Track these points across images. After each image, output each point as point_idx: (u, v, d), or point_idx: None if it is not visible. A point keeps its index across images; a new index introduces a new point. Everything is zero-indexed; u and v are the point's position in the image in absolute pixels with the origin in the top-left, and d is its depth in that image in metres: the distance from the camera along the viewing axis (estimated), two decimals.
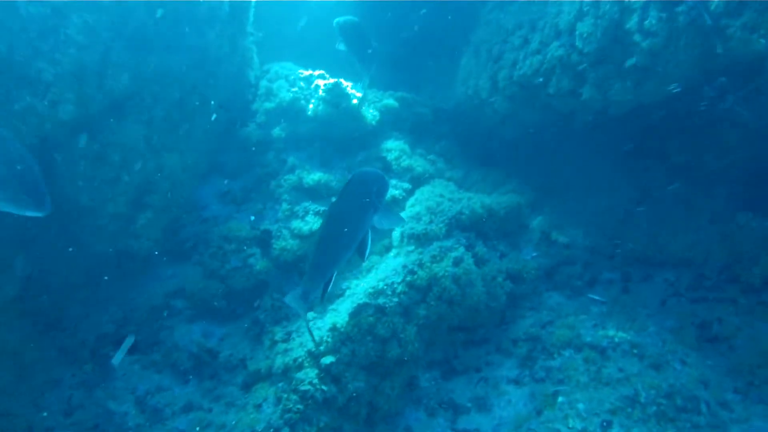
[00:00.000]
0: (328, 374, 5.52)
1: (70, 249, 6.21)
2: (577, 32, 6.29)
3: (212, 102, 7.42)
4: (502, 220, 7.05)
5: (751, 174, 7.25)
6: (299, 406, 5.34)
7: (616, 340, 5.92)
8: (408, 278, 6.02)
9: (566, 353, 6.03)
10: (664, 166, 7.71)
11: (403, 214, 6.94)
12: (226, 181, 7.75)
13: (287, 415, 5.31)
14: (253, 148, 7.88)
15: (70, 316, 6.42)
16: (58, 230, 6.28)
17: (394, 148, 7.76)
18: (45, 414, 5.56)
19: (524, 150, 8.04)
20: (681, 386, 5.54)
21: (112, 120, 6.33)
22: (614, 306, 6.70)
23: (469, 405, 6.03)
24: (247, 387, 5.90)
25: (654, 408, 5.30)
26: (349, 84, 8.08)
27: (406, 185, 7.46)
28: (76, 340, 6.26)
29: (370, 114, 8.07)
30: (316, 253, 5.01)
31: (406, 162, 7.63)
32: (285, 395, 5.41)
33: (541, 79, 6.70)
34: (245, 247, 6.85)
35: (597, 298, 6.86)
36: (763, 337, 6.16)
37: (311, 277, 5.05)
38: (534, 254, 7.19)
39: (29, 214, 4.36)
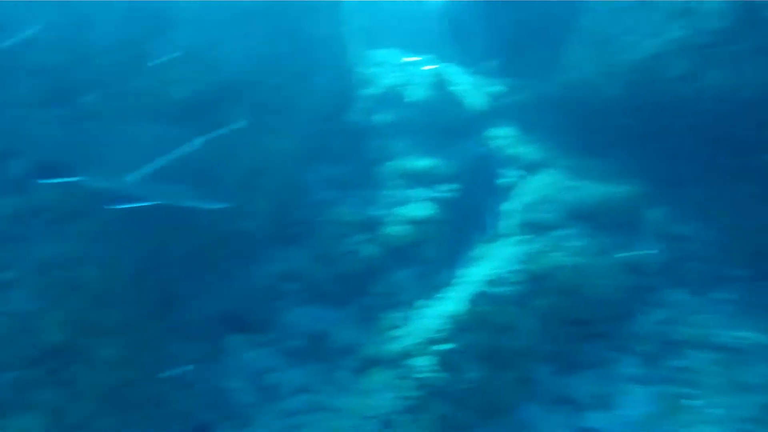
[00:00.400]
0: (444, 362, 5.36)
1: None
2: (702, 9, 5.93)
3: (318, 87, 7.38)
4: (621, 210, 6.72)
5: None
6: (416, 393, 5.20)
7: (753, 341, 5.53)
8: (525, 267, 5.78)
9: (695, 353, 5.66)
10: None
11: (515, 203, 6.73)
12: (331, 167, 7.71)
13: (404, 402, 5.17)
14: (360, 132, 7.81)
15: (184, 294, 6.47)
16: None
17: (501, 134, 7.54)
18: (164, 386, 5.64)
19: (641, 138, 7.67)
20: None
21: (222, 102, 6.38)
22: (743, 305, 6.30)
23: (588, 402, 5.75)
24: (360, 371, 5.79)
25: None
26: (455, 70, 7.93)
27: (517, 173, 7.23)
28: (190, 317, 6.30)
29: (476, 100, 7.88)
30: None
31: (515, 149, 7.40)
32: (400, 381, 5.27)
33: (659, 62, 6.34)
34: (354, 232, 6.77)
35: (724, 295, 6.46)
36: None
37: None
38: (653, 247, 6.84)
39: None
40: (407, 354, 5.42)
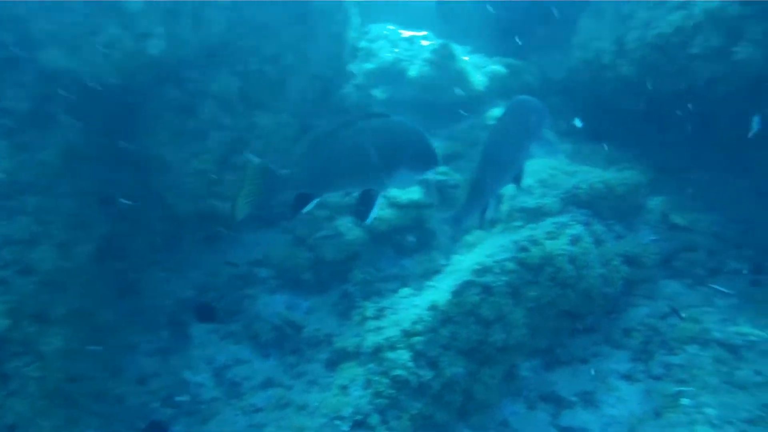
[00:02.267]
0: (424, 357, 4.97)
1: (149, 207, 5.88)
2: None
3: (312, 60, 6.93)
4: (620, 198, 6.31)
5: None
6: (391, 391, 4.80)
7: (752, 338, 5.14)
8: (519, 255, 5.37)
9: (690, 349, 5.26)
10: None
11: (511, 187, 6.34)
12: None
13: (377, 400, 4.77)
14: (349, 110, 7.39)
15: (147, 280, 6.09)
16: (138, 187, 5.94)
17: None
18: (117, 380, 5.28)
19: (644, 123, 7.28)
20: None
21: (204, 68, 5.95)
22: (743, 300, 5.93)
23: (573, 399, 5.38)
24: (332, 365, 5.41)
25: None
26: (456, 48, 7.50)
27: None
28: (153, 305, 5.92)
29: (477, 79, 7.46)
30: (477, 176, 3.99)
31: None
32: (375, 378, 4.86)
33: (681, 39, 5.92)
34: (337, 215, 6.37)
35: (722, 289, 6.07)
36: None
37: (470, 199, 4.03)
38: (652, 237, 6.45)
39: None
40: (384, 347, 5.02)
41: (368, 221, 3.38)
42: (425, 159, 3.39)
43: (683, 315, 5.48)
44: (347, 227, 6.20)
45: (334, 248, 6.13)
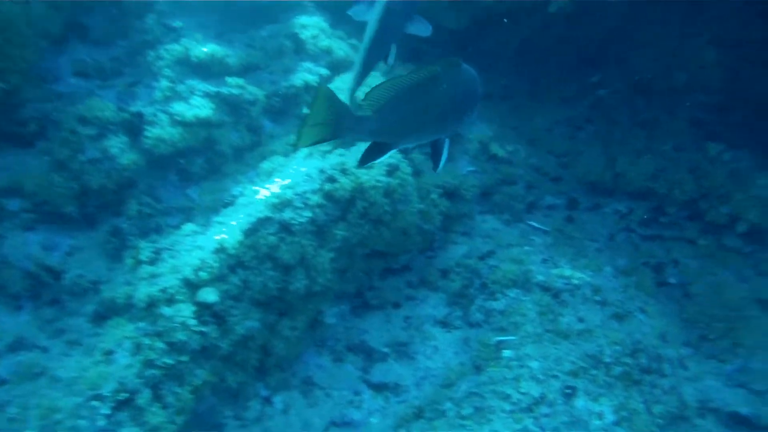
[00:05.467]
0: (209, 311, 4.11)
1: None
2: None
3: None
4: None
5: (726, 98, 6.33)
6: (166, 360, 3.89)
7: (575, 281, 4.79)
8: (326, 187, 4.59)
9: (512, 294, 4.83)
10: (625, 79, 6.62)
11: None
12: (88, 50, 5.95)
13: (148, 371, 3.85)
14: (129, 8, 6.08)
15: None
16: None
17: (310, 24, 6.19)
18: None
19: (465, 45, 6.70)
20: (646, 342, 4.55)
21: None
22: (559, 237, 5.64)
23: (385, 350, 4.84)
24: (99, 319, 4.41)
25: (619, 369, 4.26)
26: None
27: (324, 71, 5.97)
28: None
29: None
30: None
31: (324, 42, 6.10)
32: (148, 341, 3.90)
33: None
34: (109, 134, 5.19)
35: (538, 226, 5.77)
36: (723, 286, 5.30)
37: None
38: (470, 168, 5.97)
39: None
40: (160, 300, 4.08)
41: (438, 169, 3.14)
42: (480, 101, 3.24)
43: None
44: (120, 148, 5.08)
45: (103, 174, 5.00)
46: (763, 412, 4.61)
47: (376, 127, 2.78)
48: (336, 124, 2.68)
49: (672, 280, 5.47)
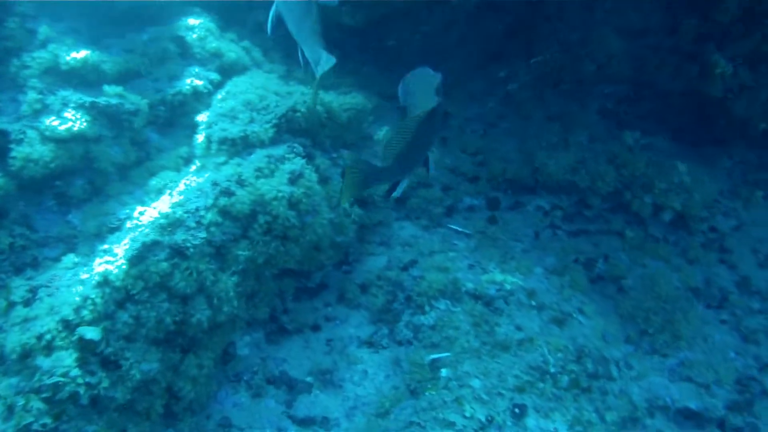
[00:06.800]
0: (96, 357, 3.46)
1: None
2: None
3: None
4: (343, 126, 5.25)
5: (634, 87, 6.22)
6: (47, 420, 3.22)
7: (507, 286, 4.41)
8: (221, 201, 3.99)
9: (441, 305, 4.39)
10: (533, 72, 6.39)
11: (211, 112, 4.94)
12: None
13: None
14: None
15: None
16: None
17: (197, 25, 5.60)
18: None
19: (367, 44, 6.29)
20: (589, 345, 4.23)
21: None
22: (482, 239, 5.28)
23: (309, 380, 4.31)
24: None
25: (566, 379, 3.89)
26: None
27: (214, 76, 5.38)
28: None
29: None
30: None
31: (213, 44, 5.52)
32: (22, 401, 3.21)
33: None
34: None
35: (460, 229, 5.39)
36: (657, 278, 5.07)
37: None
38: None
39: None
40: (36, 349, 3.40)
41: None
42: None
43: None
44: None
45: None
46: (711, 405, 4.38)
47: (398, 171, 3.30)
48: (366, 181, 3.28)
49: (604, 276, 5.20)
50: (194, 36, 5.53)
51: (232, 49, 5.62)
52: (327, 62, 4.10)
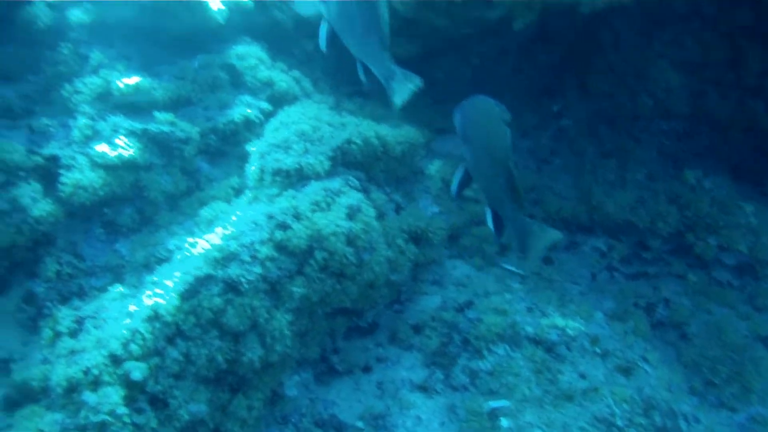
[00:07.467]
0: (145, 395, 3.32)
1: None
2: None
3: None
4: (398, 160, 5.10)
5: (692, 123, 5.98)
6: None
7: (570, 332, 4.20)
8: (277, 235, 3.86)
9: (499, 350, 4.19)
10: (588, 107, 6.22)
11: (261, 142, 4.83)
12: None
13: None
14: (40, 38, 5.30)
15: None
16: None
17: (248, 54, 5.52)
18: None
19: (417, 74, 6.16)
20: (657, 397, 3.98)
21: None
22: (538, 281, 5.07)
23: (359, 425, 4.11)
24: (11, 407, 3.56)
25: None
26: None
27: (265, 105, 5.28)
28: None
29: (217, 8, 5.76)
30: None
31: (264, 73, 5.43)
32: None
33: None
34: (18, 181, 4.37)
35: (514, 269, 5.18)
36: (723, 325, 4.82)
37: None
38: (435, 209, 5.36)
39: None
40: (83, 383, 3.26)
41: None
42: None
43: None
44: (31, 198, 4.27)
45: (12, 229, 4.17)
46: None
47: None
48: None
49: (665, 321, 4.96)
50: (245, 64, 5.44)
51: (282, 79, 5.52)
52: (411, 81, 3.43)
